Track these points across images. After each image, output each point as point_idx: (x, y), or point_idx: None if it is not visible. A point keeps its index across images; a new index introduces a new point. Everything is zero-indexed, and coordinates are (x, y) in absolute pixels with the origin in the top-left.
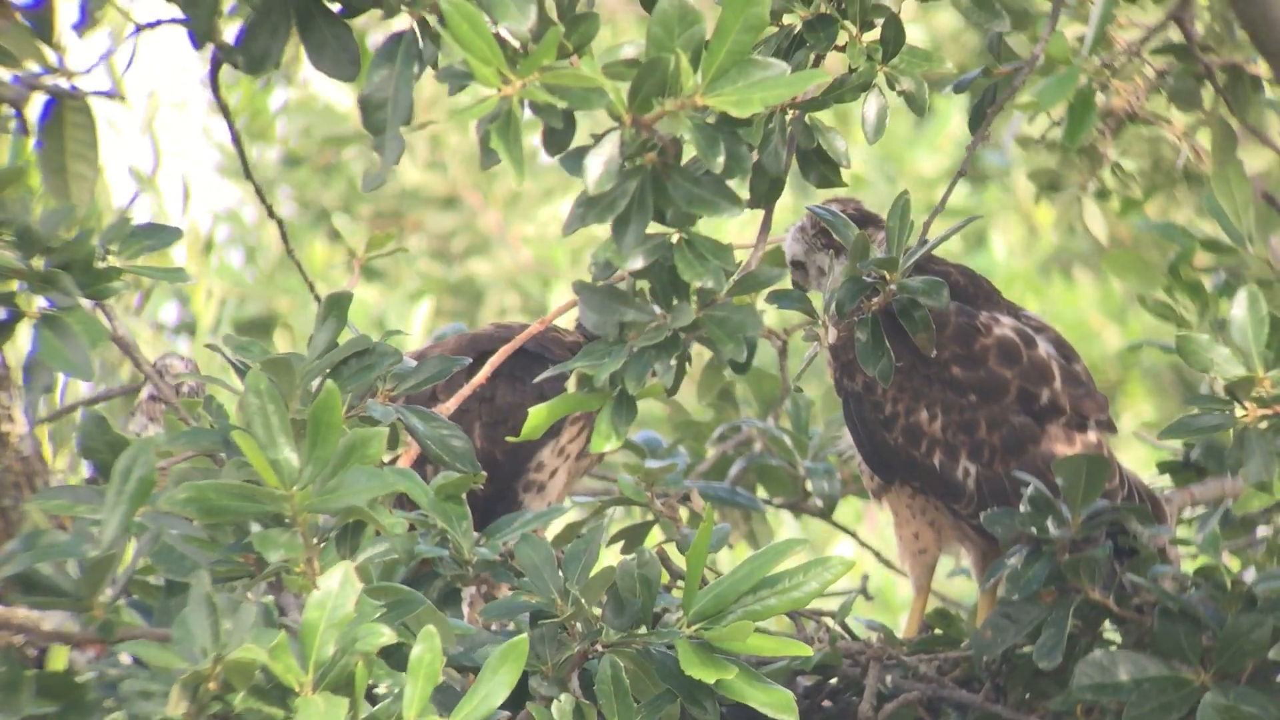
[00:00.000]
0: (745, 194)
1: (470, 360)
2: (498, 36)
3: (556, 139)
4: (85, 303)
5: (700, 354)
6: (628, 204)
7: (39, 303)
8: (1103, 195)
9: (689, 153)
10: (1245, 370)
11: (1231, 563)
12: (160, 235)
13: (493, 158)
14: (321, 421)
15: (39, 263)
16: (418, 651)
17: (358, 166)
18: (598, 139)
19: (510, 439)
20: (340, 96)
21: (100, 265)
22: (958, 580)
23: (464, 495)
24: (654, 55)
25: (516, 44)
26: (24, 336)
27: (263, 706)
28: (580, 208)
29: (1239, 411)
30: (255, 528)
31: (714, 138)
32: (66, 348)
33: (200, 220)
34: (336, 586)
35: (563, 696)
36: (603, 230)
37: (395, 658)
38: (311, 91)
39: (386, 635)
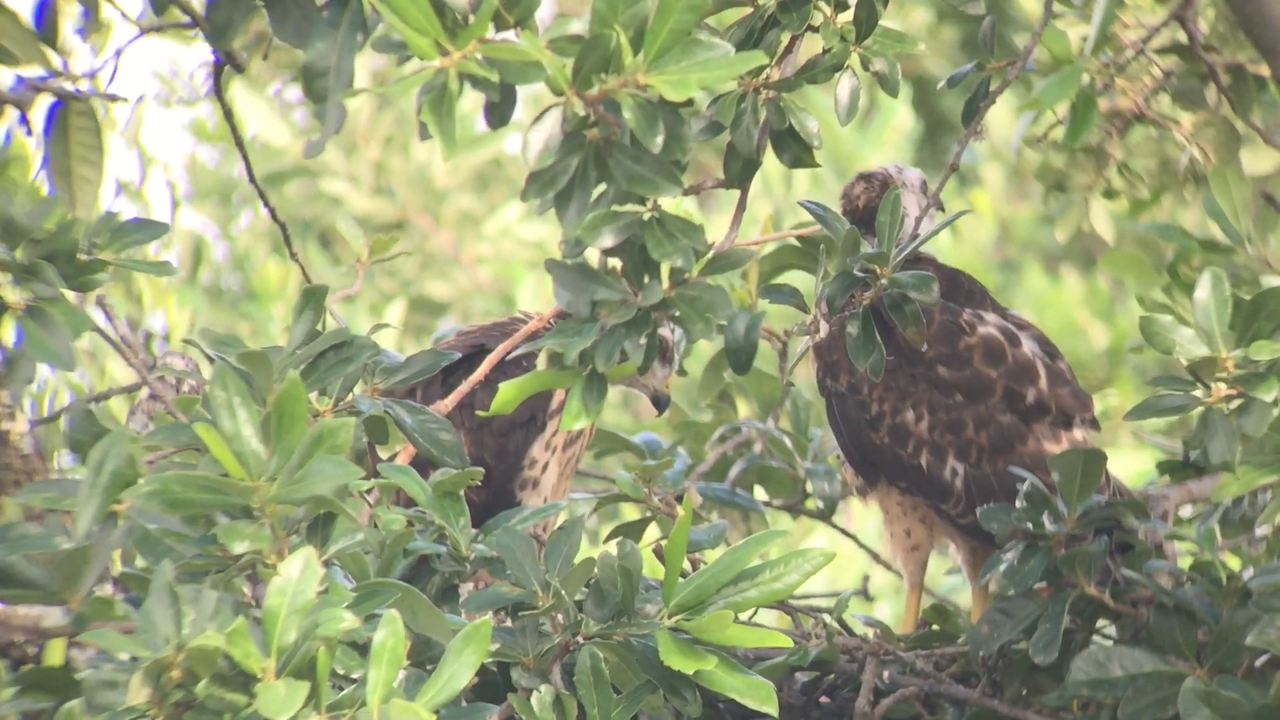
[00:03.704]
0: (686, 177)
1: (460, 354)
2: (437, 6)
3: (496, 112)
4: (70, 295)
5: (701, 355)
6: (569, 180)
7: (23, 295)
8: (1110, 195)
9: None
10: (1208, 350)
11: (1230, 561)
12: (148, 230)
13: (427, 131)
14: (285, 412)
15: (22, 254)
16: (380, 636)
17: (303, 203)
18: (540, 115)
19: (480, 413)
20: (276, 131)
21: (84, 258)
22: (948, 577)
23: (462, 495)
24: (597, 32)
25: (457, 15)
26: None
27: (225, 693)
28: (527, 182)
29: (1203, 392)
30: (223, 520)
31: (654, 116)
32: (49, 338)
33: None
34: (298, 573)
35: (543, 688)
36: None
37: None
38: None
39: (349, 620)
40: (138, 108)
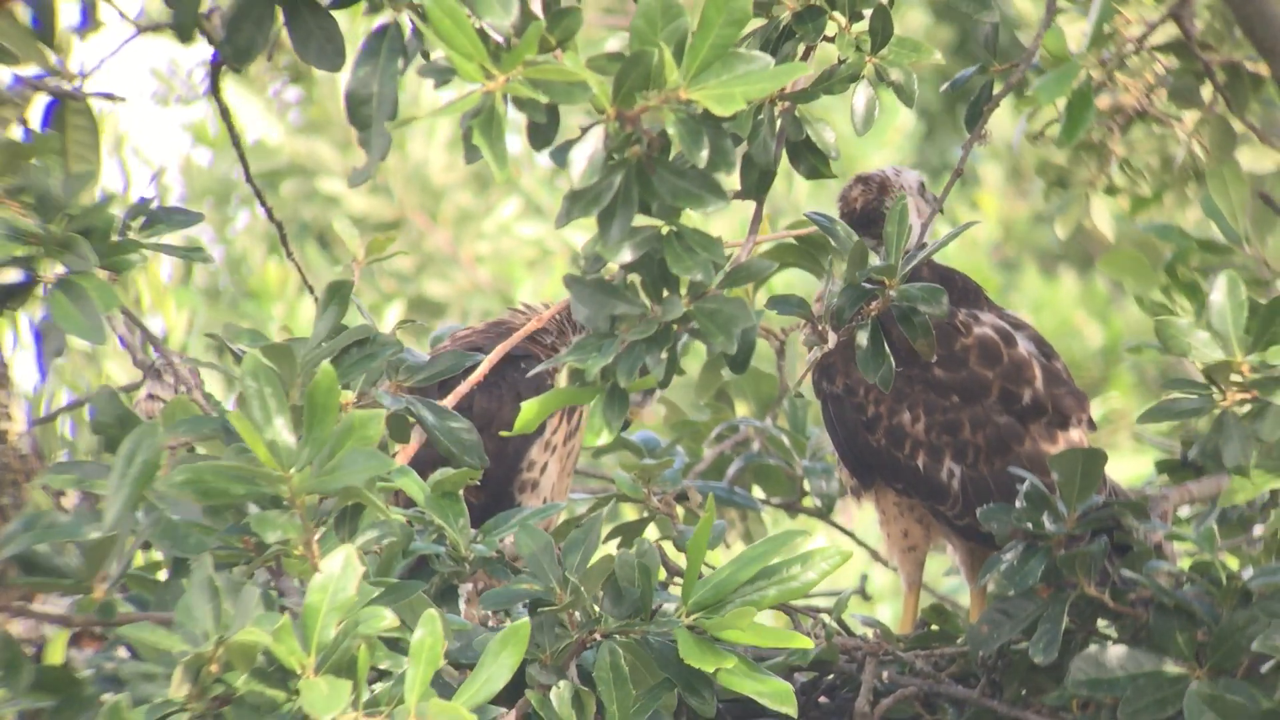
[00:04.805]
0: (731, 186)
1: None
2: (480, 31)
3: (540, 133)
4: (101, 273)
5: (698, 354)
6: (613, 197)
7: (56, 269)
8: (1111, 192)
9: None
10: (1224, 354)
11: (1230, 561)
12: (181, 218)
13: (476, 153)
14: (318, 403)
15: (57, 228)
16: (419, 635)
17: (300, 202)
18: (583, 133)
19: (504, 433)
20: (271, 129)
21: (117, 238)
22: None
23: (461, 497)
24: (637, 49)
25: (499, 39)
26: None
27: (265, 689)
28: (567, 202)
29: (1217, 396)
30: (253, 510)
31: (698, 131)
32: (80, 311)
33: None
34: (339, 570)
35: (561, 684)
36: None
37: (395, 646)
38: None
39: (389, 618)
40: (130, 110)
